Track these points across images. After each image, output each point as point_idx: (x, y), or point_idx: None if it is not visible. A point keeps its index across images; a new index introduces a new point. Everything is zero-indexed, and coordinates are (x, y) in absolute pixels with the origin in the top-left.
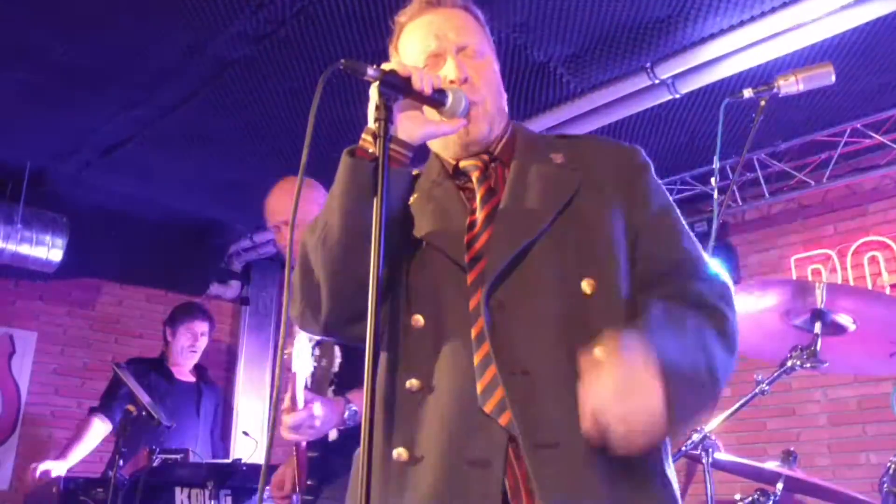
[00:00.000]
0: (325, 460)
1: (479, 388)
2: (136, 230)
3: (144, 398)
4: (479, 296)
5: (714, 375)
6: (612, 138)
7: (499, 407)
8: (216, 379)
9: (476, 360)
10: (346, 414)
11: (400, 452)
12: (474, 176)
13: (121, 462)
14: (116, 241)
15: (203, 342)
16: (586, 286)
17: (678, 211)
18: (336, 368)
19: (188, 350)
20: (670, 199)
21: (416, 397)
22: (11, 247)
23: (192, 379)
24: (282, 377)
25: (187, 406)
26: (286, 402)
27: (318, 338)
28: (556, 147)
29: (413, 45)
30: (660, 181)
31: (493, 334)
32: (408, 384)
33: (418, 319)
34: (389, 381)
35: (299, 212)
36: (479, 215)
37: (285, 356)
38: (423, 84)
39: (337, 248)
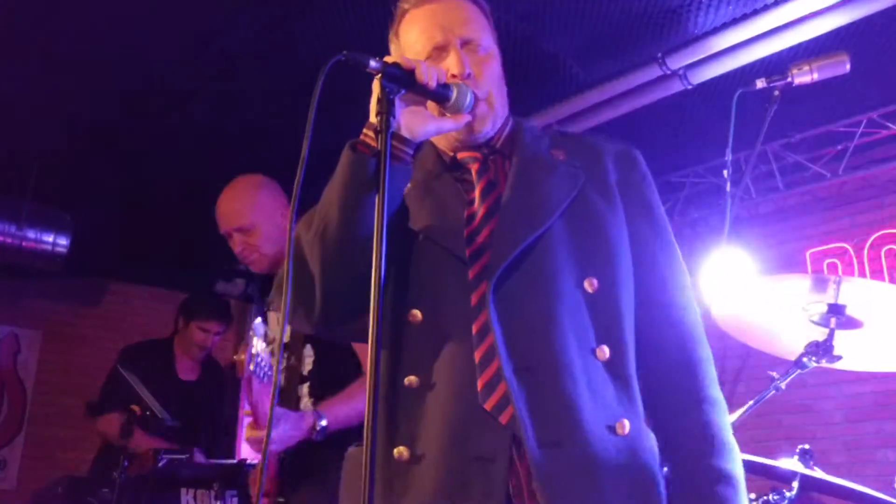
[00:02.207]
0: (305, 457)
1: (479, 384)
2: (141, 227)
3: (149, 399)
4: (482, 291)
5: None
6: (612, 138)
7: (500, 405)
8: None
9: (477, 356)
10: (316, 429)
11: (401, 451)
12: (473, 169)
13: (125, 462)
14: (122, 239)
15: (215, 341)
16: (588, 285)
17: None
18: (309, 367)
19: (197, 348)
20: (663, 210)
21: (415, 394)
22: (17, 244)
23: (192, 377)
24: (279, 378)
25: (186, 410)
26: (248, 410)
27: (276, 340)
28: (558, 143)
29: (416, 35)
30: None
31: (498, 330)
32: (406, 381)
33: (416, 314)
34: (387, 379)
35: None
36: (479, 209)
37: (236, 361)
38: (427, 78)
39: (336, 242)
